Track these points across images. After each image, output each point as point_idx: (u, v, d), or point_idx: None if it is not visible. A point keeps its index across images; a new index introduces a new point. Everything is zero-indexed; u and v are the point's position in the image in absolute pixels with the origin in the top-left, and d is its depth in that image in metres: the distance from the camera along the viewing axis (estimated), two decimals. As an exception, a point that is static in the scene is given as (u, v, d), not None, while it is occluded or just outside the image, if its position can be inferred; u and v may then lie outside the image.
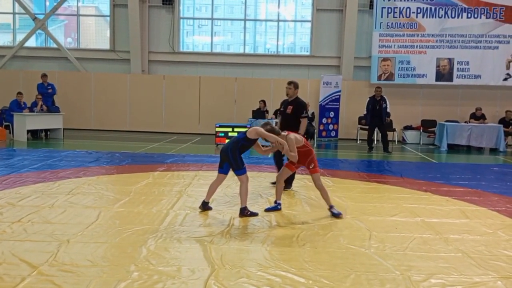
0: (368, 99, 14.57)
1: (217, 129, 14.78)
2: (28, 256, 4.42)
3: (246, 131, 6.14)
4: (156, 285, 3.88)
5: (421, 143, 17.17)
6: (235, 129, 14.71)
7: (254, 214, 6.15)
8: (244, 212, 6.12)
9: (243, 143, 6.10)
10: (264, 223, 5.88)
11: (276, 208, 6.47)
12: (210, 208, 6.43)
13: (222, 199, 7.09)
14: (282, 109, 8.05)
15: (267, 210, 6.46)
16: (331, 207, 6.32)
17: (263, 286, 3.93)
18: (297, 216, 6.28)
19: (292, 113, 7.74)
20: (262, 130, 6.00)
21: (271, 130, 6.03)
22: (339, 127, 17.94)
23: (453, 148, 15.56)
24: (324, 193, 6.32)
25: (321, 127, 17.36)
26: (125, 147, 13.23)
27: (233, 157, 6.06)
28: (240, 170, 6.09)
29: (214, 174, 9.01)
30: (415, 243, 5.22)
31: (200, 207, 6.37)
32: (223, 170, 6.28)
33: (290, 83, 7.91)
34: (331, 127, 17.72)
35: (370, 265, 4.51)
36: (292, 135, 6.20)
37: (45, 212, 6.05)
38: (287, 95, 7.94)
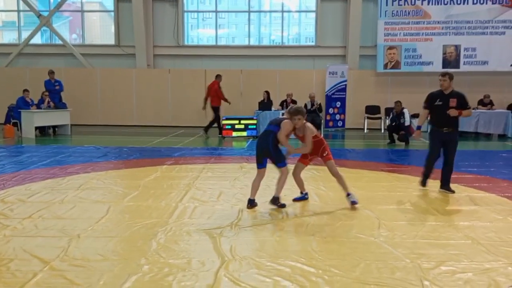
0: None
1: (224, 122, 14.80)
2: (39, 252, 4.45)
3: (279, 124, 6.10)
4: (167, 278, 3.90)
5: (428, 130, 17.02)
6: (242, 121, 14.74)
7: (283, 206, 6.17)
8: (276, 202, 6.14)
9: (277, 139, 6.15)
10: (273, 214, 5.89)
11: (303, 198, 6.50)
12: (256, 204, 6.25)
13: (230, 191, 7.10)
14: (439, 103, 7.19)
15: (296, 200, 6.53)
16: (348, 194, 6.28)
17: (273, 276, 3.94)
18: (306, 207, 6.28)
19: (457, 106, 7.10)
20: (282, 135, 6.04)
21: (296, 112, 6.00)
22: (346, 117, 17.87)
23: (461, 135, 15.33)
24: (340, 179, 6.30)
25: (328, 117, 17.31)
26: (132, 142, 13.27)
27: (275, 152, 6.12)
28: (282, 163, 6.16)
29: (221, 167, 9.10)
30: (424, 231, 5.21)
31: (248, 206, 6.19)
32: (262, 165, 6.27)
33: (444, 74, 7.24)
34: (338, 117, 17.67)
35: (379, 253, 4.51)
36: (309, 124, 6.20)
37: (55, 208, 6.09)
38: (441, 86, 7.22)
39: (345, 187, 6.32)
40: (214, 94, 15.03)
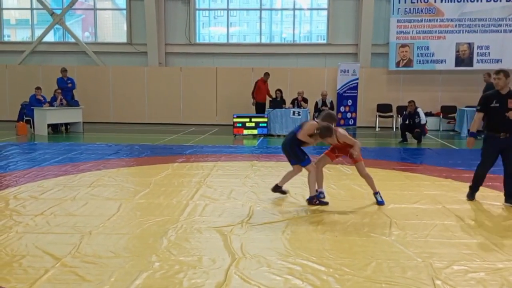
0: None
1: (235, 120, 14.80)
2: (51, 248, 4.48)
3: (300, 127, 6.17)
4: (178, 275, 3.91)
5: (441, 129, 16.97)
6: (253, 119, 14.73)
7: (324, 204, 6.18)
8: (313, 201, 6.16)
9: (300, 141, 6.16)
10: (283, 213, 5.87)
11: (319, 196, 6.45)
12: (284, 192, 6.58)
13: (241, 189, 7.10)
14: (495, 104, 6.36)
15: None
16: (376, 193, 6.38)
17: (284, 275, 3.93)
18: (317, 205, 6.25)
19: None
20: (303, 135, 6.09)
21: (325, 134, 6.02)
22: (357, 115, 17.79)
23: (478, 135, 15.28)
24: (369, 180, 6.39)
25: (339, 116, 17.20)
26: (144, 139, 13.31)
27: (293, 152, 6.19)
28: (304, 162, 6.19)
29: (232, 165, 9.11)
30: (436, 230, 5.17)
31: (272, 189, 6.51)
32: (292, 163, 6.41)
33: (499, 72, 6.36)
34: (349, 115, 17.59)
35: (391, 252, 4.48)
36: (340, 129, 6.25)
37: (67, 205, 6.12)
38: (496, 86, 6.38)
39: (373, 187, 6.40)
40: (258, 91, 16.29)
